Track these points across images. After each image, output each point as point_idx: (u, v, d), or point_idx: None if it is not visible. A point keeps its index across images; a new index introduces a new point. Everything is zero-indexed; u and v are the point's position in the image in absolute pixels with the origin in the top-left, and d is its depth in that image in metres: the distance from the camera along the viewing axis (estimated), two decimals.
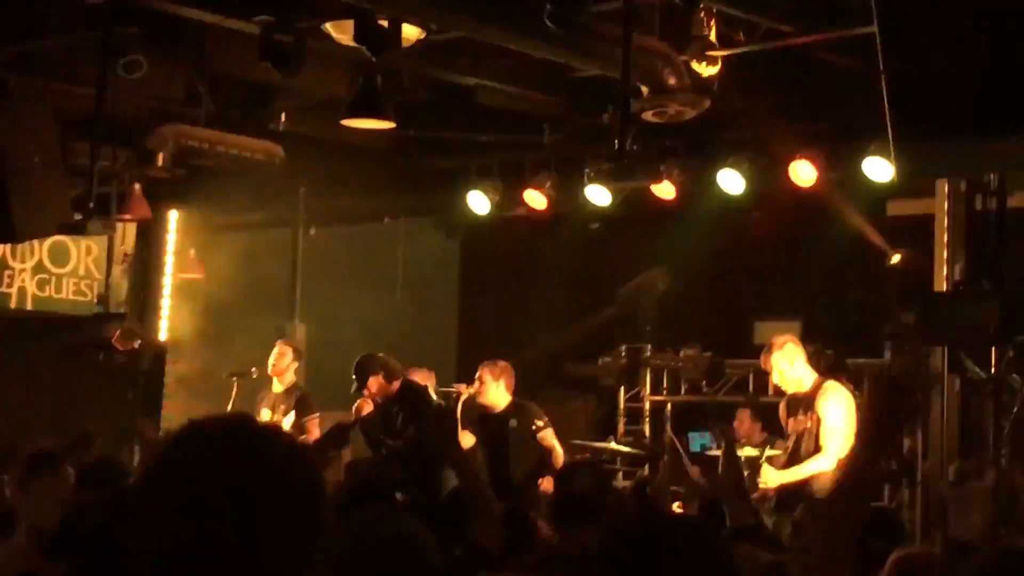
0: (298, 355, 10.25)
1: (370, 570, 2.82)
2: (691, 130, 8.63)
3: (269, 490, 1.59)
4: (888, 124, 5.02)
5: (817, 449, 7.21)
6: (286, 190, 11.65)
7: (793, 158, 8.97)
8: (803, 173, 8.97)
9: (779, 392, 9.88)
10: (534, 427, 8.45)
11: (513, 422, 8.57)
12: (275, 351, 9.98)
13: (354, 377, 8.95)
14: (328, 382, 10.74)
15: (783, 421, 7.64)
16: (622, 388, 10.35)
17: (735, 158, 9.26)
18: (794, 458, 7.31)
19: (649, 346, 10.29)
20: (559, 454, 8.35)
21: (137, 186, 9.55)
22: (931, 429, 7.37)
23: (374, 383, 8.87)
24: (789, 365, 7.53)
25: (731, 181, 9.35)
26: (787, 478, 7.24)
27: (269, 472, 1.60)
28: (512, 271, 11.74)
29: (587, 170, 7.94)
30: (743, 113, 9.01)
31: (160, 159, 9.24)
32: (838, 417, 7.24)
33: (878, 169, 8.58)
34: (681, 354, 9.97)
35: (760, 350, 9.84)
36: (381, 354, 9.05)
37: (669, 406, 10.34)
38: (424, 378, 9.79)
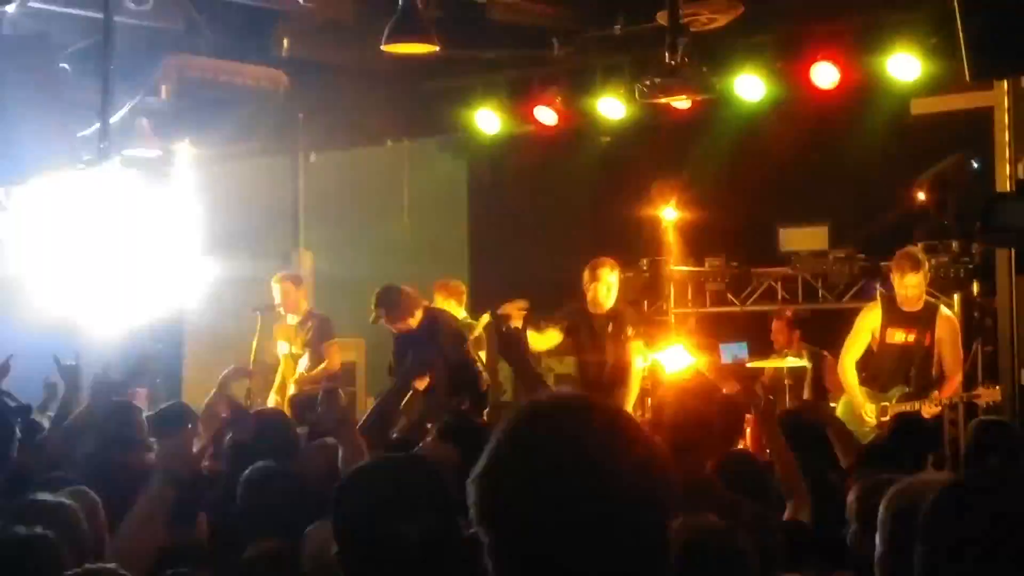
0: (298, 281, 10.14)
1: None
2: (705, 35, 8.40)
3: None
4: (959, 26, 4.85)
5: (935, 366, 7.49)
6: (283, 116, 11.37)
7: (814, 60, 8.78)
8: (825, 75, 8.80)
9: (809, 299, 9.87)
10: None
11: None
12: (277, 290, 9.86)
13: (376, 308, 8.74)
14: (336, 309, 10.61)
15: (877, 326, 7.60)
16: (645, 302, 10.20)
17: (753, 63, 9.06)
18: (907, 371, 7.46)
19: (671, 258, 10.14)
20: None
21: (145, 121, 9.27)
22: (1001, 333, 7.32)
23: (397, 319, 8.67)
24: (926, 282, 7.61)
25: (750, 87, 9.16)
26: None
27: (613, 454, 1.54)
28: (523, 190, 11.53)
29: (637, 85, 7.70)
30: (759, 15, 8.79)
31: (165, 92, 8.98)
32: (957, 340, 7.55)
33: (904, 67, 8.43)
34: (706, 264, 9.85)
35: (786, 257, 9.79)
36: (398, 286, 8.83)
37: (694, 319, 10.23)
38: (453, 290, 9.61)
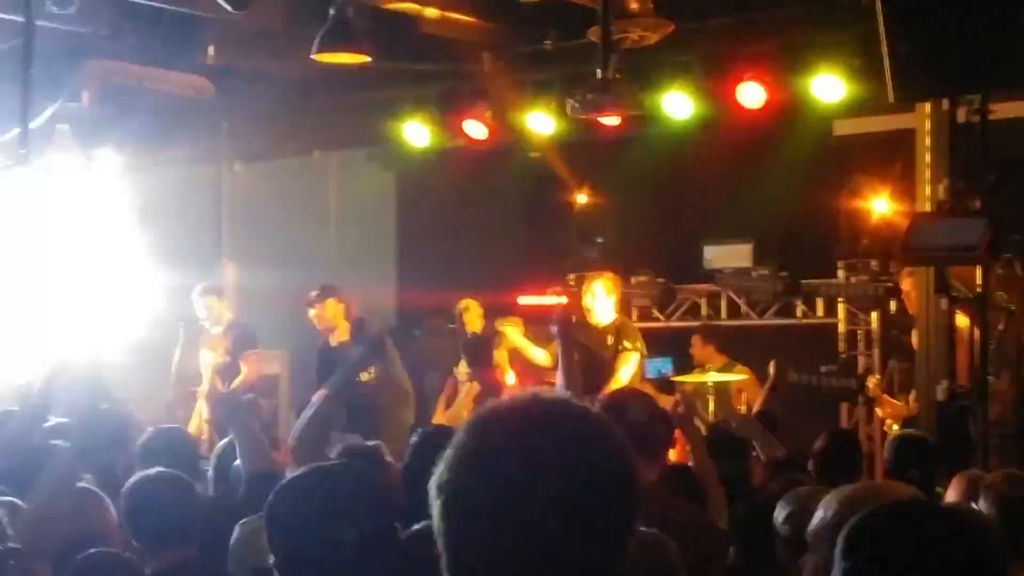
0: (220, 293, 10.06)
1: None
2: (634, 53, 8.46)
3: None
4: (884, 48, 4.93)
5: None
6: (208, 124, 11.25)
7: (741, 79, 8.87)
8: (752, 95, 8.89)
9: (733, 315, 9.96)
10: None
11: None
12: (200, 304, 9.77)
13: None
14: (260, 320, 10.51)
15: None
16: (572, 317, 10.19)
17: (682, 81, 9.12)
18: None
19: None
20: None
21: (66, 127, 9.12)
22: (918, 351, 7.39)
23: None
24: None
25: (678, 105, 9.23)
26: None
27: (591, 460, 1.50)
28: (451, 203, 11.51)
29: (568, 101, 7.71)
30: (688, 34, 8.87)
31: (87, 97, 8.85)
32: None
33: (828, 88, 8.54)
34: (632, 281, 9.90)
35: (711, 275, 9.88)
36: None
37: None
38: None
